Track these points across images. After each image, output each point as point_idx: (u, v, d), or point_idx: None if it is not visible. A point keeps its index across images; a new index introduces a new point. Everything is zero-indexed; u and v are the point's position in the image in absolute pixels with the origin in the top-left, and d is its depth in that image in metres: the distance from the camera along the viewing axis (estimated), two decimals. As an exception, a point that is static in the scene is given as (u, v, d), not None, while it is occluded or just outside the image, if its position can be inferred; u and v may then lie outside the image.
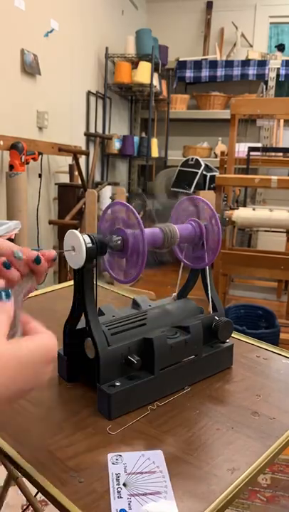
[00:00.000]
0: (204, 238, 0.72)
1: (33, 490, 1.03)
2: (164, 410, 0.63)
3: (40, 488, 0.50)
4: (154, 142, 4.18)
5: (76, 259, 0.60)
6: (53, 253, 0.53)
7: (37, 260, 0.50)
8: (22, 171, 2.36)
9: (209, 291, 0.75)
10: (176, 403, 0.65)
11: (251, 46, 4.61)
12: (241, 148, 2.74)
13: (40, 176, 2.82)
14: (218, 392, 0.68)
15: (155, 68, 3.84)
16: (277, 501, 1.41)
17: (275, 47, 4.48)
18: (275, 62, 4.12)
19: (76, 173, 3.02)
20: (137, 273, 0.63)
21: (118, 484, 0.49)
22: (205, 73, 4.25)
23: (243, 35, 4.55)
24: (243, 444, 0.57)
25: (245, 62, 4.15)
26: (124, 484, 0.49)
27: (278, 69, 4.10)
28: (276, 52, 4.38)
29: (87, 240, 0.59)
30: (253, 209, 2.25)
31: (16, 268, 0.50)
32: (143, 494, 0.48)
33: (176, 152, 4.72)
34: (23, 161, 2.38)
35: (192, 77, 4.29)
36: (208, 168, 3.96)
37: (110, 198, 3.48)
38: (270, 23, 4.62)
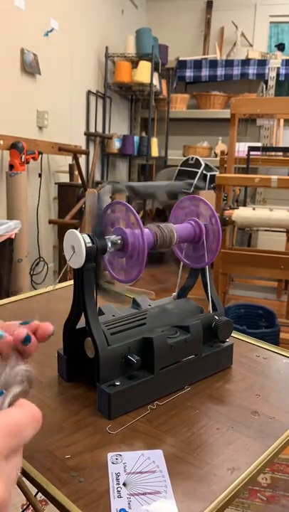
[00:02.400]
0: (204, 238, 0.72)
1: (33, 489, 1.04)
2: (163, 410, 0.63)
3: (40, 488, 0.49)
4: (154, 142, 4.18)
5: (76, 259, 0.60)
6: (49, 328, 0.43)
7: (26, 340, 0.41)
8: (22, 170, 2.36)
9: (209, 291, 0.75)
10: (176, 403, 0.65)
11: (251, 46, 4.61)
12: (241, 148, 2.74)
13: (40, 175, 2.82)
14: (218, 392, 0.68)
15: (155, 68, 3.84)
16: (277, 501, 1.41)
17: (275, 46, 4.48)
18: (275, 61, 4.13)
19: (76, 172, 3.02)
20: (137, 272, 0.63)
21: (118, 484, 0.49)
22: (205, 73, 4.25)
23: (243, 35, 4.54)
24: (243, 444, 0.57)
25: (245, 62, 4.15)
26: (124, 484, 0.49)
27: (278, 68, 4.10)
28: (276, 52, 4.38)
29: (87, 239, 0.59)
30: (253, 208, 2.25)
31: None
32: (143, 494, 0.48)
33: (176, 152, 4.72)
34: (23, 160, 2.38)
35: (192, 76, 4.29)
36: (208, 167, 3.96)
37: (110, 197, 3.48)
38: (270, 23, 4.62)
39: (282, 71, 4.09)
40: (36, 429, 0.36)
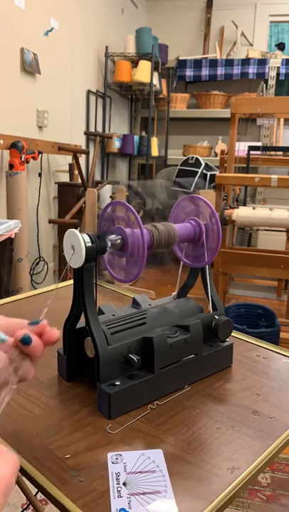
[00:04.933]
0: (204, 237, 0.72)
1: (33, 489, 1.04)
2: (163, 409, 0.63)
3: (40, 488, 0.49)
4: (154, 141, 4.18)
5: (76, 259, 0.60)
6: (55, 334, 0.43)
7: (24, 341, 0.41)
8: (22, 170, 2.36)
9: (209, 290, 0.75)
10: (176, 402, 0.65)
11: (251, 45, 4.61)
12: (241, 147, 2.74)
13: (40, 175, 2.82)
14: (218, 392, 0.68)
15: (155, 67, 3.84)
16: (277, 500, 1.41)
17: (275, 45, 4.47)
18: (275, 61, 4.12)
19: (76, 172, 3.02)
20: (137, 272, 0.63)
21: (118, 483, 0.49)
22: (205, 72, 4.25)
23: (243, 34, 4.54)
24: (243, 443, 0.57)
25: (246, 61, 4.15)
26: (124, 483, 0.49)
27: (278, 68, 4.10)
28: (276, 51, 4.38)
29: (87, 239, 0.59)
30: (253, 208, 2.25)
31: None
32: (143, 493, 0.48)
33: (176, 151, 4.72)
34: (23, 160, 2.38)
35: (192, 75, 4.29)
36: (208, 167, 3.96)
37: (110, 197, 3.48)
38: (270, 22, 4.62)
39: (283, 70, 4.09)
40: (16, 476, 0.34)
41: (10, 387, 0.41)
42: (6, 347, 0.41)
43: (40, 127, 2.87)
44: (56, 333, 0.43)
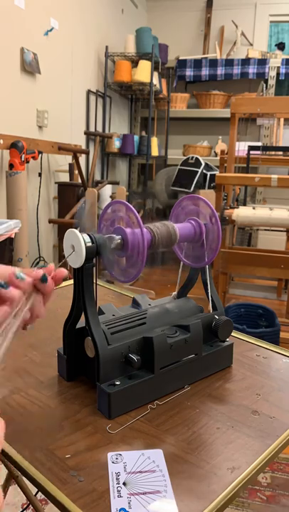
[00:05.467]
0: (204, 237, 0.72)
1: (33, 489, 1.04)
2: (163, 409, 0.63)
3: (40, 487, 0.50)
4: (154, 141, 4.17)
5: (76, 259, 0.60)
6: (64, 272, 0.52)
7: (43, 279, 0.49)
8: (22, 169, 2.36)
9: (209, 290, 0.75)
10: (176, 402, 0.65)
11: (251, 45, 4.61)
12: (241, 147, 2.74)
13: (40, 174, 2.82)
14: (218, 391, 0.68)
15: (155, 67, 3.84)
16: (277, 500, 1.41)
17: (275, 45, 4.47)
18: (275, 60, 4.12)
19: (76, 172, 3.02)
20: (136, 272, 0.63)
21: (118, 483, 0.49)
22: (205, 72, 4.25)
23: (243, 34, 4.54)
24: (243, 443, 0.57)
25: (246, 61, 4.14)
26: (124, 483, 0.49)
27: (278, 67, 4.10)
28: (276, 51, 4.38)
29: (87, 239, 0.59)
30: (253, 208, 2.25)
31: (17, 287, 0.48)
32: (143, 493, 0.48)
33: (176, 151, 4.72)
34: (23, 159, 2.38)
35: (192, 75, 4.29)
36: (208, 167, 3.96)
37: (110, 196, 3.48)
38: (270, 22, 4.61)
39: (283, 70, 4.09)
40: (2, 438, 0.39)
41: (19, 321, 0.47)
42: (24, 284, 0.48)
43: (40, 127, 2.87)
44: (65, 271, 0.52)
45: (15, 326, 0.46)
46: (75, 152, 2.89)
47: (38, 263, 2.92)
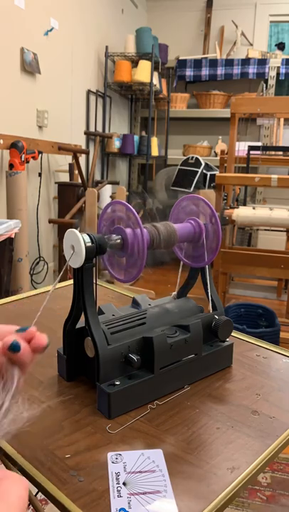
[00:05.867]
0: (204, 237, 0.72)
1: (33, 489, 1.03)
2: (163, 409, 0.63)
3: (40, 487, 0.50)
4: (154, 141, 4.17)
5: (76, 259, 0.60)
6: (44, 340, 0.41)
7: (13, 347, 0.38)
8: (22, 169, 2.36)
9: (209, 290, 0.75)
10: (176, 402, 0.65)
11: (251, 45, 4.61)
12: (241, 147, 2.74)
13: (40, 174, 2.82)
14: (218, 391, 0.68)
15: (155, 67, 3.84)
16: (277, 500, 1.41)
17: (275, 45, 4.47)
18: (275, 60, 4.12)
19: (76, 172, 3.02)
20: (136, 272, 0.63)
21: (118, 483, 0.49)
22: (205, 72, 4.25)
23: (243, 34, 4.54)
24: (243, 443, 0.57)
25: (246, 61, 4.15)
26: (124, 483, 0.49)
27: (278, 67, 4.10)
28: (276, 51, 4.38)
29: (87, 239, 0.59)
30: (253, 208, 2.25)
31: None
32: (143, 493, 0.48)
33: (176, 151, 4.72)
34: (23, 159, 2.38)
35: (192, 75, 4.29)
36: (208, 167, 3.96)
37: (110, 196, 3.48)
38: (270, 22, 4.61)
39: (283, 70, 4.09)
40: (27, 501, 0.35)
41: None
42: None
43: (40, 127, 2.87)
44: (45, 339, 0.41)
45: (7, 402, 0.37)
46: (75, 152, 2.89)
47: (38, 263, 2.92)
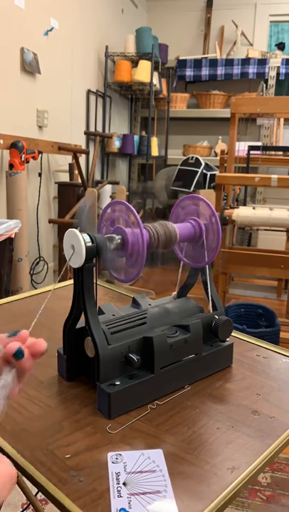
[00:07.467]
0: (204, 237, 0.72)
1: (33, 489, 1.04)
2: (164, 409, 0.63)
3: (40, 487, 0.49)
4: (154, 141, 4.17)
5: (76, 258, 0.60)
6: (43, 346, 0.42)
7: (17, 354, 0.40)
8: (22, 169, 2.36)
9: (209, 290, 0.75)
10: (176, 402, 0.65)
11: (251, 45, 4.61)
12: (241, 147, 2.74)
13: (40, 174, 2.82)
14: (218, 391, 0.68)
15: (155, 67, 3.84)
16: (277, 500, 1.41)
17: (275, 45, 4.47)
18: (275, 60, 4.12)
19: (76, 172, 3.02)
20: (136, 272, 0.63)
21: (118, 483, 0.49)
22: (205, 72, 4.24)
23: (243, 34, 4.54)
24: (243, 443, 0.57)
25: (246, 61, 4.14)
26: (124, 483, 0.49)
27: (278, 67, 4.10)
28: (276, 51, 4.38)
29: (87, 239, 0.59)
30: (253, 208, 2.25)
31: None
32: (143, 493, 0.48)
33: (176, 151, 4.72)
34: (23, 159, 2.38)
35: (192, 75, 4.29)
36: (208, 166, 3.96)
37: (110, 196, 3.48)
38: (270, 22, 4.61)
39: (283, 70, 4.09)
40: (12, 489, 0.34)
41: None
42: None
43: (40, 127, 2.87)
44: (44, 344, 0.42)
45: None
46: (75, 152, 2.89)
47: (38, 263, 2.92)
